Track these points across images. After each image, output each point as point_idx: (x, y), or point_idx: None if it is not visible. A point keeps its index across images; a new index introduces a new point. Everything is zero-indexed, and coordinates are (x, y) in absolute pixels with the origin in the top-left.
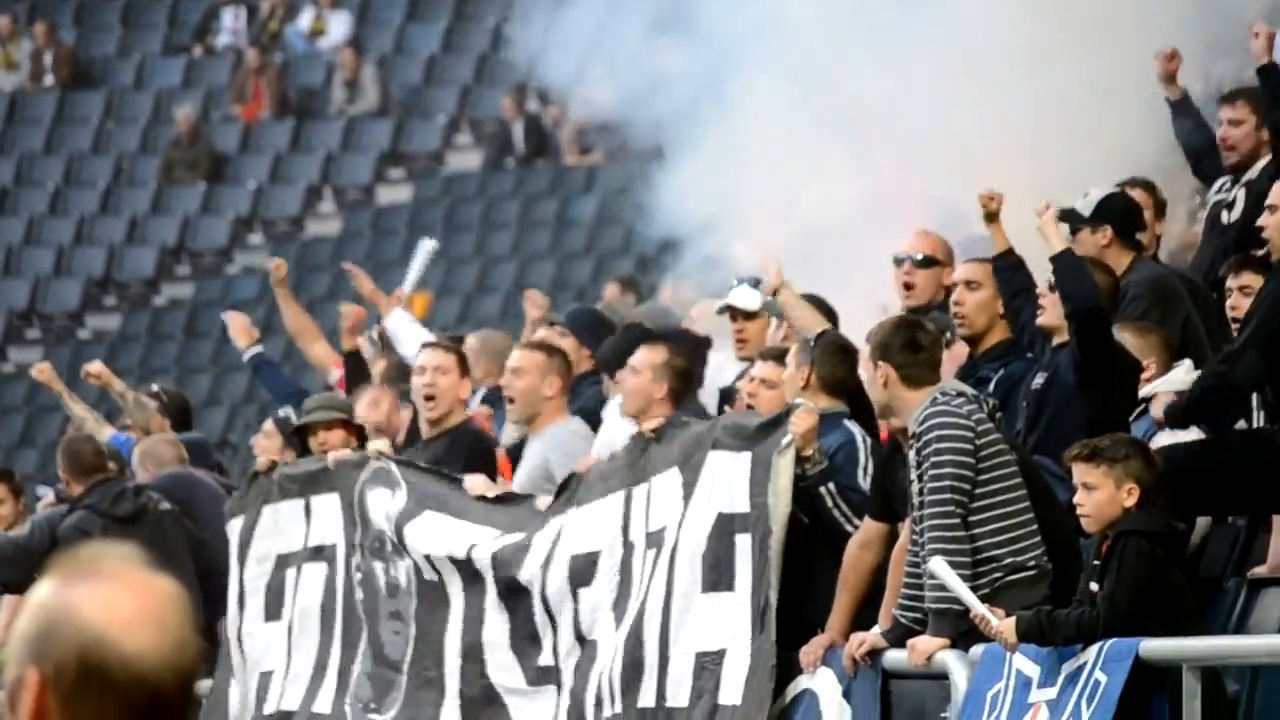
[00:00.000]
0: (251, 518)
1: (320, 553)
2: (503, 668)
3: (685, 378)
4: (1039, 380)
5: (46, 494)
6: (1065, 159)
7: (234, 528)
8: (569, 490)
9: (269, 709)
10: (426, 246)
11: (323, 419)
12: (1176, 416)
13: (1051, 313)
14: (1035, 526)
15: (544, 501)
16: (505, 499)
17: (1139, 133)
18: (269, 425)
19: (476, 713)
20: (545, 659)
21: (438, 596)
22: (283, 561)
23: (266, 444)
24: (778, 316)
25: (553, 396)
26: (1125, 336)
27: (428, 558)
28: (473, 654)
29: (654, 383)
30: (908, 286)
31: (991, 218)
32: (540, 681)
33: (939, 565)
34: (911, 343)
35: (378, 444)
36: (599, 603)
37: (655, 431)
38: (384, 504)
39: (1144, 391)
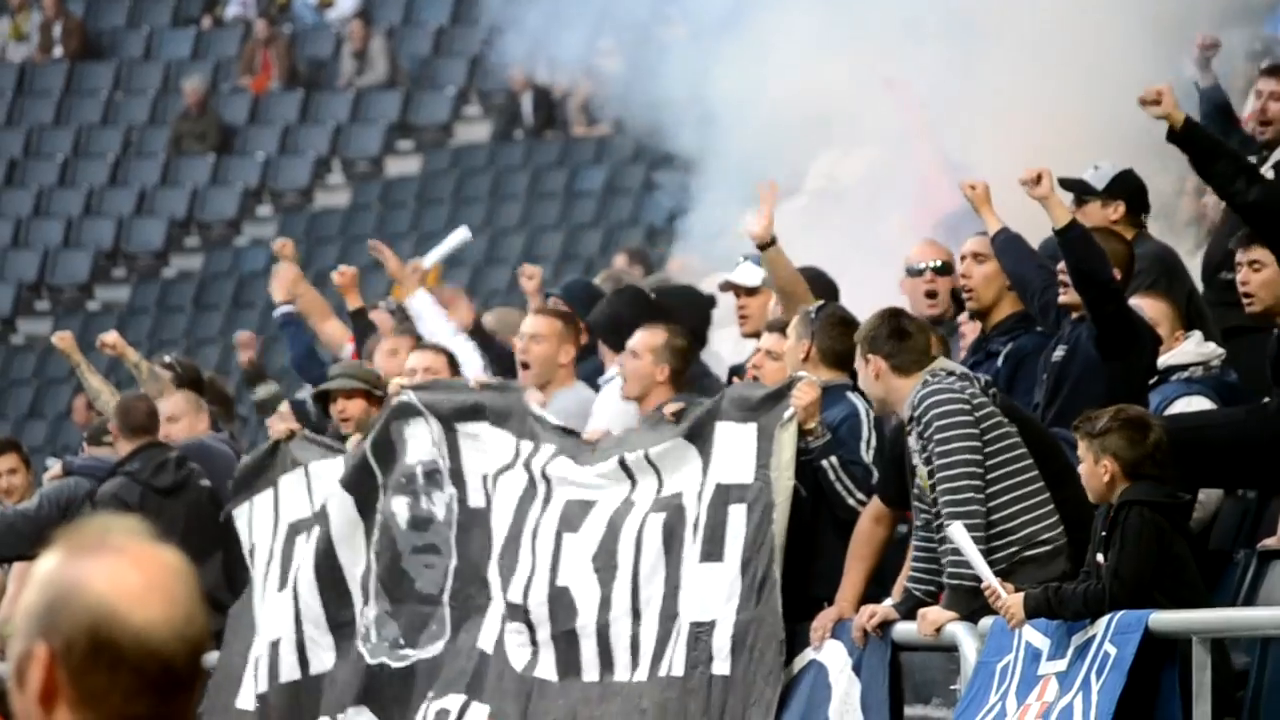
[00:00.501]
0: (277, 489)
1: (320, 517)
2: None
3: (686, 357)
4: (1059, 353)
5: (54, 466)
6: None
7: (262, 500)
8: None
9: (285, 677)
10: (462, 235)
11: (343, 387)
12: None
13: (1073, 291)
14: (1047, 498)
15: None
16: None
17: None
18: (285, 408)
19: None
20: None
21: (483, 524)
22: (293, 530)
23: (282, 427)
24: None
25: (566, 364)
26: (1138, 305)
27: (484, 479)
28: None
29: (655, 365)
30: (931, 295)
31: (980, 204)
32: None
33: (958, 531)
34: (898, 331)
35: (398, 379)
36: (582, 552)
37: (675, 415)
38: (421, 435)
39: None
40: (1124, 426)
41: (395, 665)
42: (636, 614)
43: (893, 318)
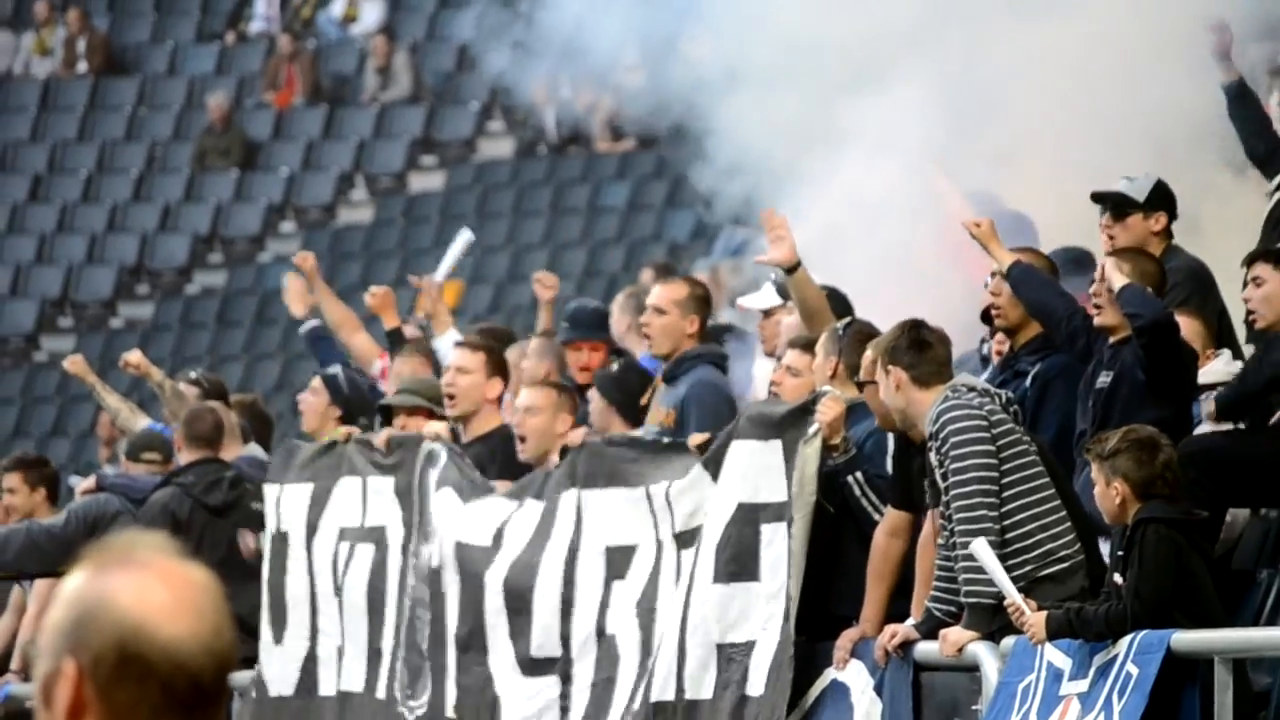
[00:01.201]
0: (325, 487)
1: (373, 533)
2: (501, 656)
3: (710, 306)
4: (1104, 379)
5: (86, 480)
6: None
7: (294, 492)
8: (570, 462)
9: (325, 690)
10: (464, 237)
11: (406, 403)
12: (1223, 407)
13: (1109, 312)
14: (1064, 515)
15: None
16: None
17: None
18: (317, 382)
19: (474, 700)
20: (549, 649)
21: (438, 584)
22: (343, 535)
23: (314, 400)
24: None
25: (562, 433)
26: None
27: (458, 546)
28: (473, 643)
29: (684, 318)
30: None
31: (987, 240)
32: (536, 672)
33: (981, 547)
34: (918, 342)
35: (435, 426)
36: (627, 598)
37: (702, 447)
38: (445, 490)
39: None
40: (1133, 447)
41: (409, 717)
42: (648, 649)
43: (913, 329)
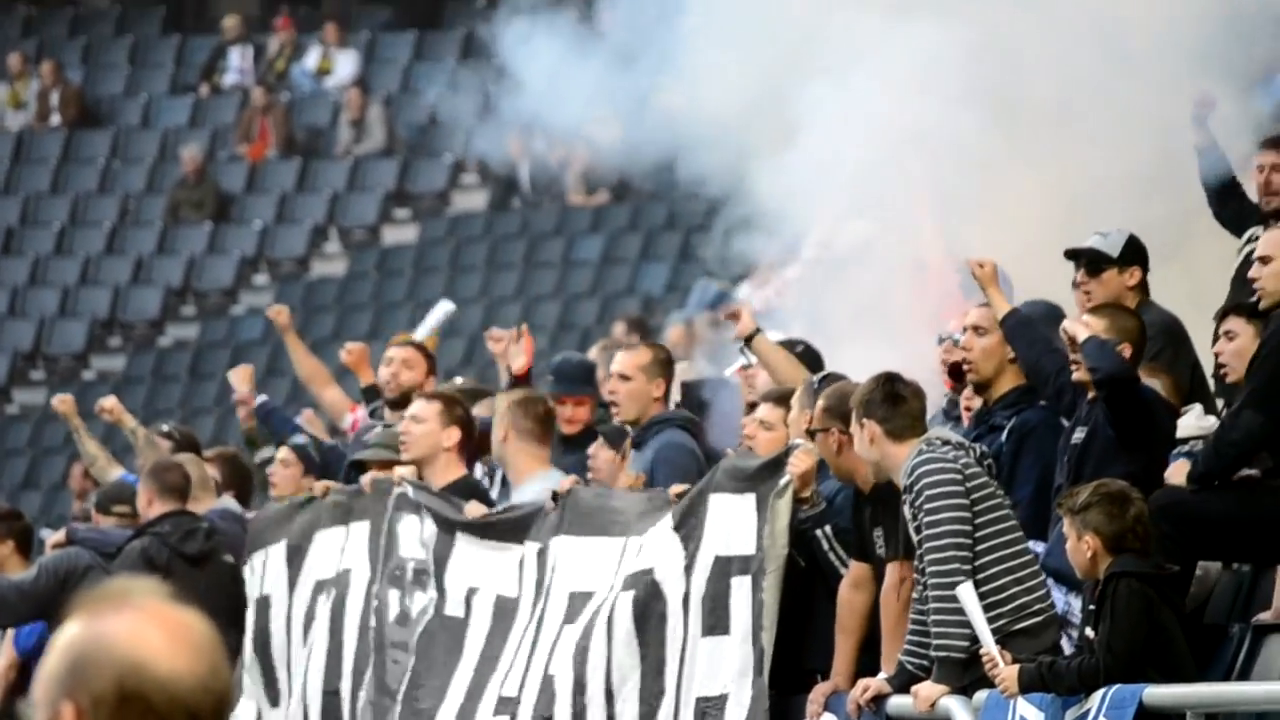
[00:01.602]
0: (301, 543)
1: (339, 579)
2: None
3: (673, 368)
4: (1079, 435)
5: (56, 534)
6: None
7: (274, 552)
8: (554, 511)
9: None
10: (445, 308)
11: (377, 458)
12: (1196, 481)
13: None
14: (1038, 569)
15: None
16: (510, 512)
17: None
18: (287, 454)
19: None
20: (509, 690)
21: (454, 633)
22: (318, 588)
23: (286, 473)
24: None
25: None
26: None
27: (470, 592)
28: (474, 695)
29: (650, 382)
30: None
31: (987, 283)
32: (500, 711)
33: (966, 592)
34: (892, 396)
35: (402, 470)
36: (569, 641)
37: (679, 496)
38: (414, 531)
39: None
40: (1103, 501)
41: None
42: (610, 696)
43: (887, 382)
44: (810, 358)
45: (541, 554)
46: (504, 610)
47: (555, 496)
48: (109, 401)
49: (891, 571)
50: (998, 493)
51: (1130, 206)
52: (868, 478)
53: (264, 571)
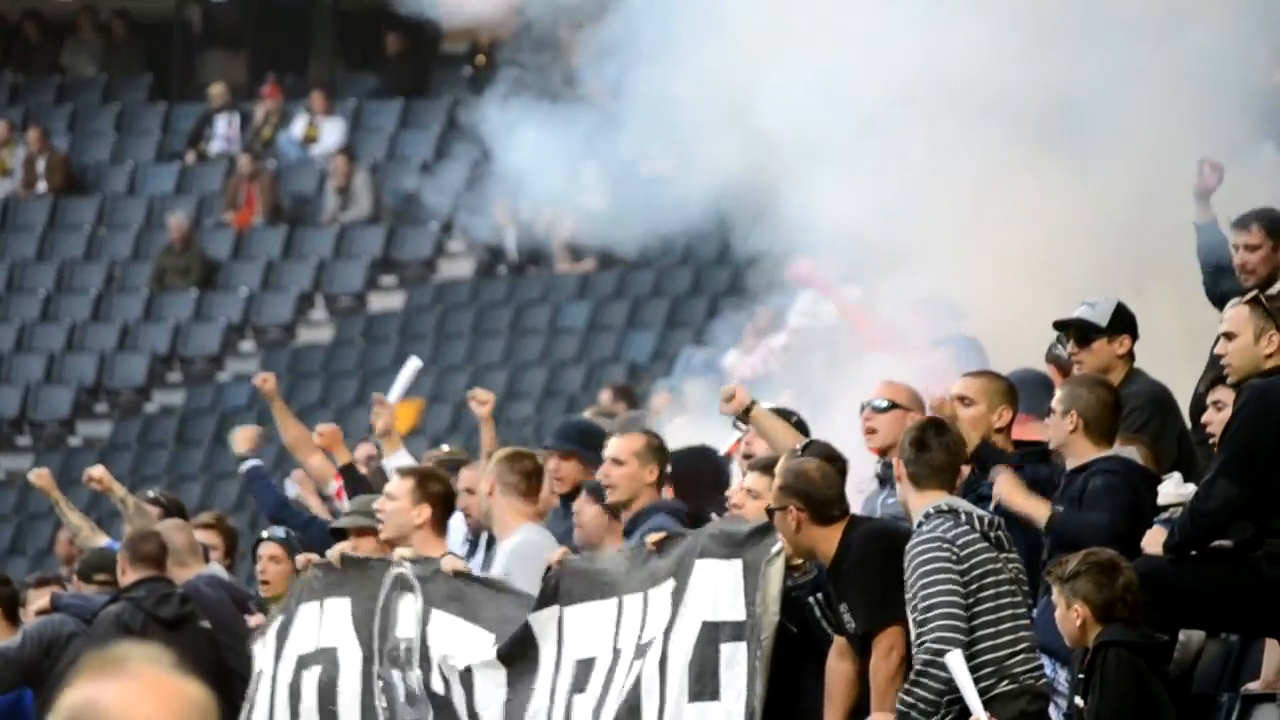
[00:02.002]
0: (289, 617)
1: (322, 655)
2: None
3: (666, 454)
4: (1060, 508)
5: (40, 600)
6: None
7: (272, 627)
8: (550, 583)
9: None
10: (412, 364)
11: (355, 525)
12: (1172, 550)
13: (1057, 430)
14: (1030, 634)
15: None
16: (494, 586)
17: None
18: (275, 550)
19: None
20: None
21: (444, 707)
22: (301, 663)
23: (276, 569)
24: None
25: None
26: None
27: (441, 664)
28: None
29: (643, 467)
30: (870, 431)
31: (1008, 496)
32: None
33: (955, 660)
34: (919, 442)
35: (402, 550)
36: (588, 710)
37: (657, 544)
38: (409, 609)
39: None
40: (1092, 570)
41: None
42: None
43: (924, 429)
44: (803, 429)
45: (534, 628)
46: (496, 681)
47: (548, 571)
48: (97, 471)
49: (881, 640)
50: (995, 558)
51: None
52: (827, 554)
53: (263, 644)
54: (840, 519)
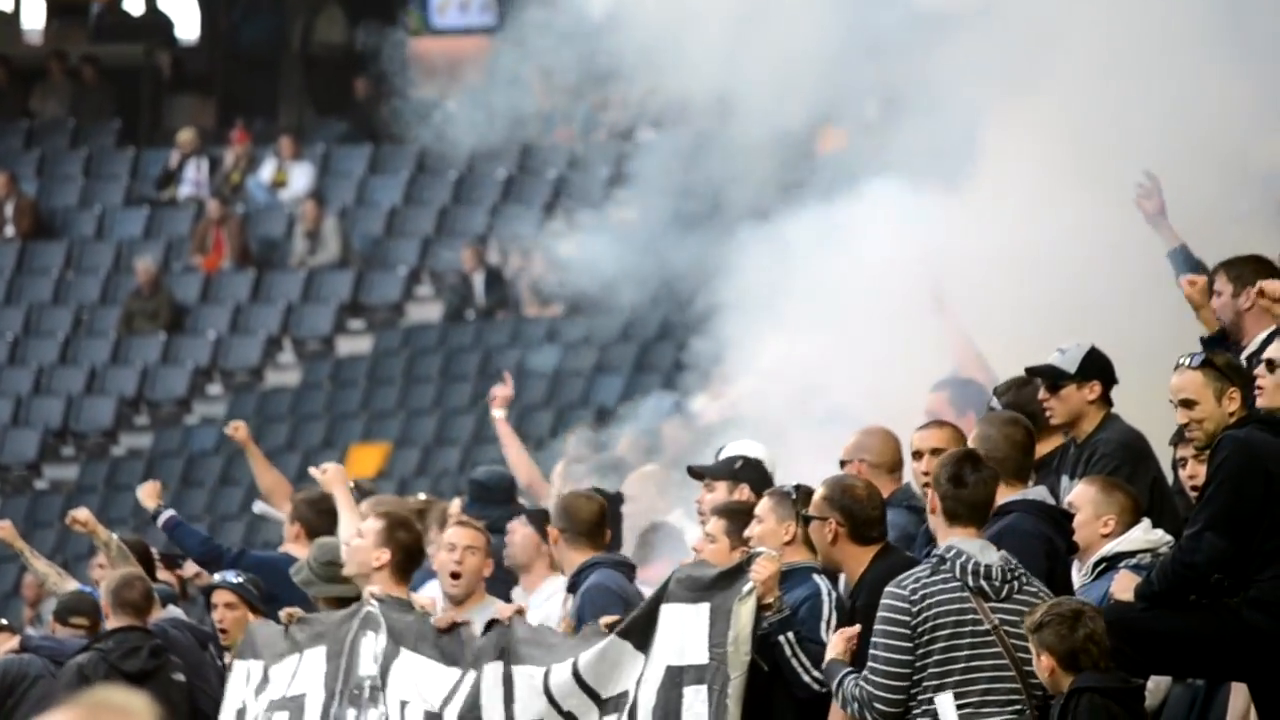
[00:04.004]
0: (267, 667)
1: (291, 702)
2: None
3: (618, 516)
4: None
5: (11, 641)
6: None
7: (255, 666)
8: (494, 635)
9: None
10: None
11: (299, 578)
12: (1146, 598)
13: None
14: (1002, 695)
15: (477, 634)
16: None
17: None
18: (230, 596)
19: None
20: None
21: None
22: (270, 706)
23: (232, 615)
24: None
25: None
26: (1090, 490)
27: (402, 705)
28: None
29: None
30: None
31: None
32: None
33: (945, 703)
34: (957, 477)
35: (371, 588)
36: None
37: (609, 626)
38: (371, 647)
39: (1102, 551)
40: (1054, 621)
41: None
42: None
43: (961, 462)
44: (758, 473)
45: (478, 679)
46: None
47: (491, 625)
48: (81, 514)
49: None
50: (977, 612)
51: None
52: (854, 573)
53: (231, 685)
54: (876, 542)
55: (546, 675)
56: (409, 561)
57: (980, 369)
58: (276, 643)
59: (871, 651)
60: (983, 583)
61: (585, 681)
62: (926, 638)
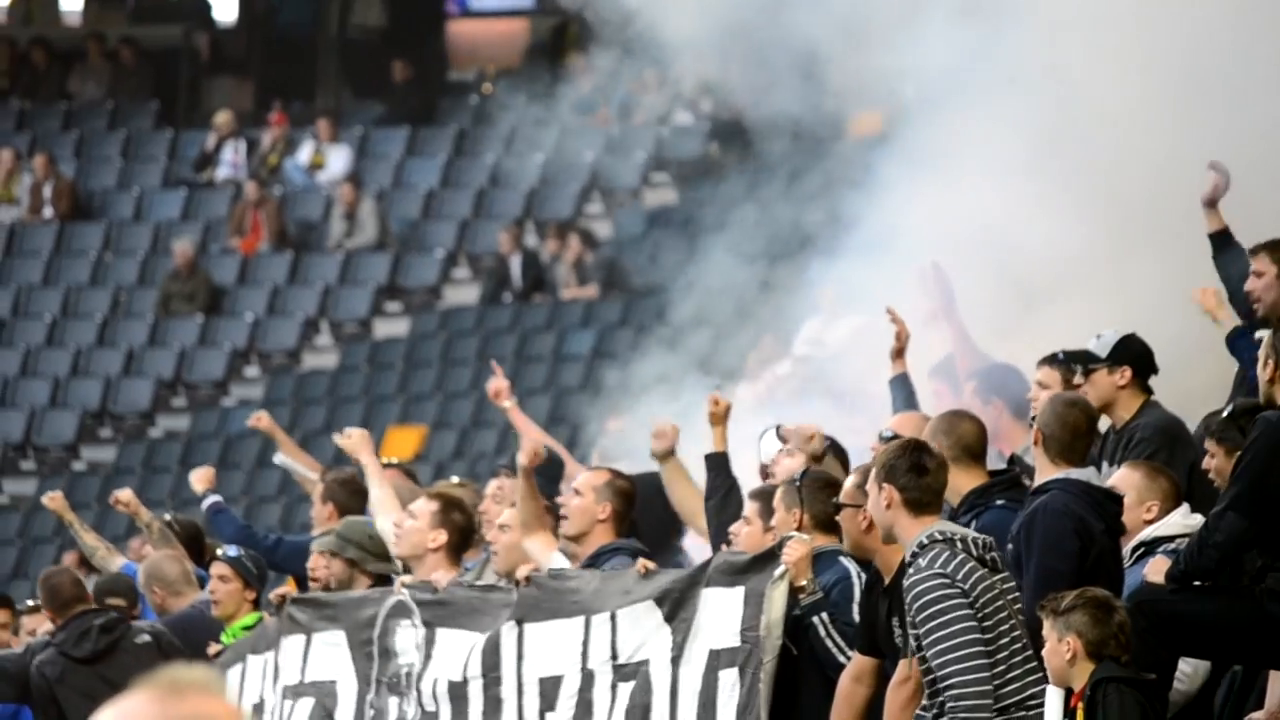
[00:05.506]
0: (270, 654)
1: (316, 687)
2: None
3: (629, 500)
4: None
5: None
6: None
7: (257, 661)
8: (513, 594)
9: None
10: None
11: (323, 547)
12: (1176, 580)
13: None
14: (1033, 657)
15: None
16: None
17: None
18: (225, 569)
19: None
20: None
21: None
22: (286, 693)
23: (225, 588)
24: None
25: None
26: (1135, 475)
27: (434, 684)
28: None
29: (597, 503)
30: None
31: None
32: None
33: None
34: (917, 466)
35: (403, 576)
36: None
37: (647, 570)
38: (410, 637)
39: (1140, 536)
40: (1088, 605)
41: None
42: None
43: (914, 451)
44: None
45: (499, 641)
46: (460, 696)
47: (517, 583)
48: (125, 494)
49: (902, 668)
50: (995, 584)
51: None
52: (890, 563)
53: (245, 678)
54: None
55: (587, 624)
56: (464, 543)
57: (979, 362)
58: (276, 627)
59: (947, 655)
60: (990, 555)
61: (615, 640)
62: (980, 614)
